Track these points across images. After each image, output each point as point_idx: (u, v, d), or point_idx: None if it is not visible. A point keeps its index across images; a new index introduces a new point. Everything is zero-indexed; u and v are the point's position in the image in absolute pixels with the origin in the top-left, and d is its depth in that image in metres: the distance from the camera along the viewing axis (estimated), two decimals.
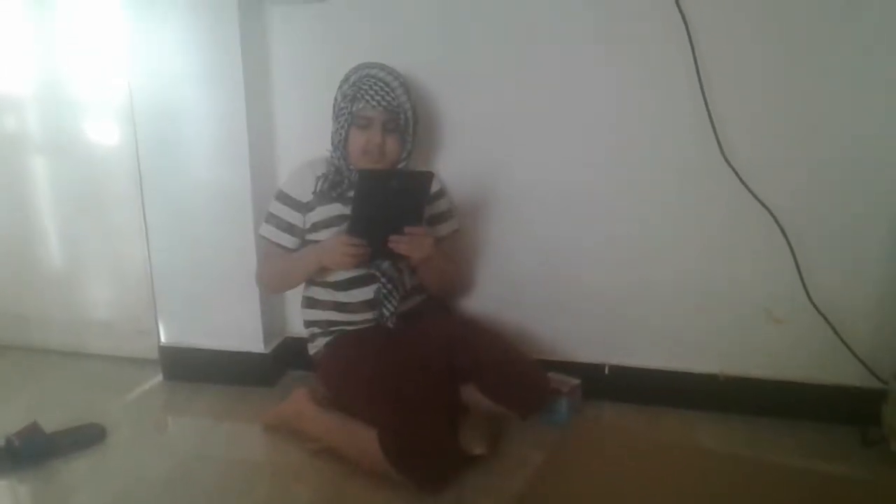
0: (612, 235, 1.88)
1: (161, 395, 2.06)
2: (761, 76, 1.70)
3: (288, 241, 1.77)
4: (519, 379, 1.68)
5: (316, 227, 1.74)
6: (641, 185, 1.83)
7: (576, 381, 1.88)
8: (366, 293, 1.75)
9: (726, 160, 1.72)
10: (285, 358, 2.13)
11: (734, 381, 1.87)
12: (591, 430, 1.82)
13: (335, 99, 1.72)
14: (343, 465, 1.60)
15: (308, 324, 1.86)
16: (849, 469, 1.64)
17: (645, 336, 1.92)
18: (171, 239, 2.03)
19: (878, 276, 1.75)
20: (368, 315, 1.78)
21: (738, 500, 1.48)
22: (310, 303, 1.84)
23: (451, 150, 1.93)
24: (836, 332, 1.75)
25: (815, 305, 1.76)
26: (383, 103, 1.64)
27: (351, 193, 1.67)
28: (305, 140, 1.91)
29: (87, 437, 1.74)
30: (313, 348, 1.85)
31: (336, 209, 1.73)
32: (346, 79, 1.70)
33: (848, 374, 1.78)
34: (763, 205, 1.73)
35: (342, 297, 1.77)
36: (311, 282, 1.82)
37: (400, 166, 1.74)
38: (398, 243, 1.59)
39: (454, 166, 1.93)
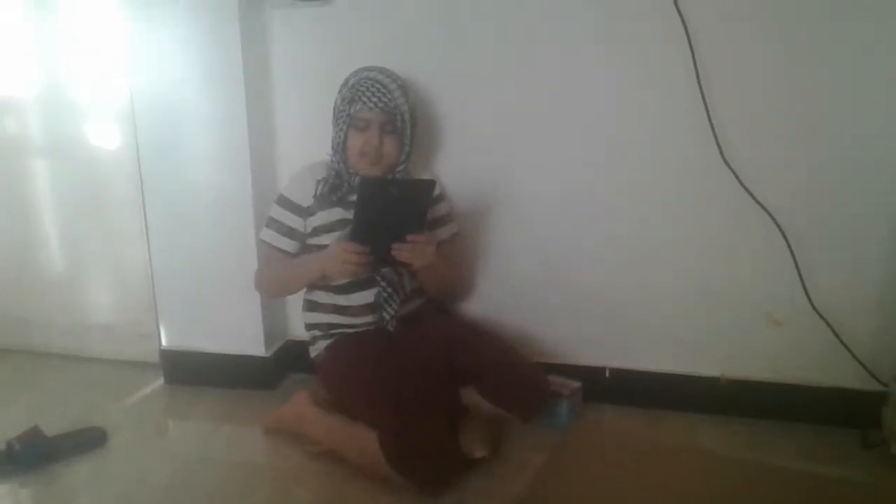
0: (612, 238, 1.88)
1: (162, 399, 2.06)
2: (761, 77, 1.70)
3: (288, 245, 1.77)
4: (519, 381, 1.68)
5: (317, 231, 1.75)
6: (641, 186, 1.83)
7: (576, 384, 1.88)
8: (366, 297, 1.75)
9: (726, 162, 1.72)
10: (286, 361, 2.13)
11: (735, 383, 1.87)
12: (591, 432, 1.82)
13: (335, 103, 1.72)
14: (344, 467, 1.60)
15: (309, 327, 1.86)
16: (849, 471, 1.64)
17: (645, 339, 1.92)
18: (172, 242, 2.03)
19: (879, 277, 1.75)
20: (369, 318, 1.78)
21: (739, 503, 1.49)
22: (311, 306, 1.84)
23: (451, 152, 1.93)
24: (836, 335, 1.75)
25: (815, 308, 1.76)
26: (380, 105, 1.64)
27: (351, 198, 1.67)
28: (306, 143, 1.91)
29: (87, 441, 1.74)
30: (314, 351, 1.85)
31: (337, 213, 1.73)
32: (346, 82, 1.70)
33: (848, 376, 1.78)
34: (763, 207, 1.73)
35: (343, 300, 1.77)
36: (312, 285, 1.82)
37: (399, 169, 1.74)
38: (400, 251, 1.59)
39: (454, 169, 1.93)
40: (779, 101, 1.70)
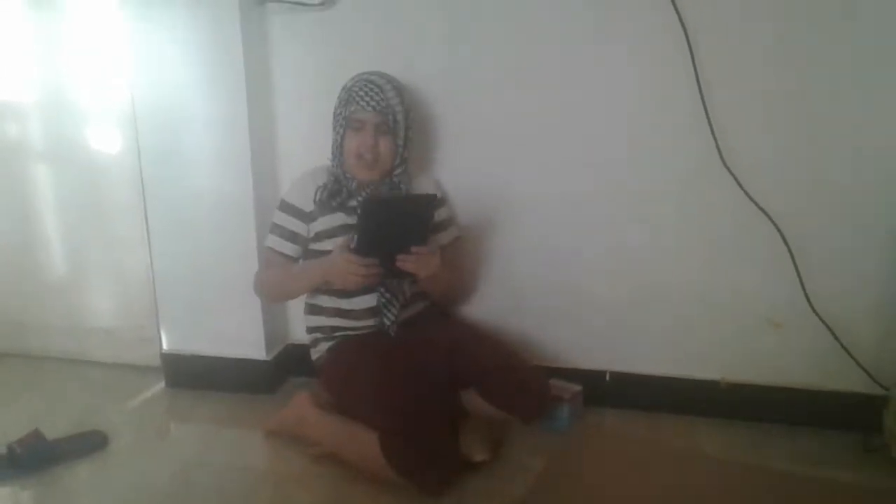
0: (613, 241, 1.88)
1: (163, 402, 2.06)
2: (761, 81, 1.70)
3: (291, 249, 1.77)
4: (520, 384, 1.68)
5: (319, 236, 1.75)
6: (642, 190, 1.83)
7: (577, 388, 1.88)
8: (368, 300, 1.76)
9: (727, 167, 1.73)
10: (287, 365, 2.13)
11: (735, 387, 1.87)
12: (592, 436, 1.82)
13: (334, 108, 1.74)
14: (345, 470, 1.61)
15: (311, 329, 1.87)
16: (850, 475, 1.63)
17: (646, 342, 1.93)
18: (173, 246, 2.04)
19: (880, 281, 1.75)
20: (371, 321, 1.78)
21: None
22: (313, 309, 1.85)
23: (452, 156, 1.94)
24: (837, 339, 1.75)
25: (815, 312, 1.76)
26: (372, 104, 1.66)
27: (351, 202, 1.70)
28: (307, 147, 1.92)
29: (89, 445, 1.74)
30: (315, 353, 1.85)
31: (339, 219, 1.74)
32: (344, 87, 1.72)
33: (849, 380, 1.78)
34: (763, 211, 1.74)
35: (345, 304, 1.78)
36: (314, 289, 1.82)
37: (396, 172, 1.75)
38: (405, 262, 1.60)
39: (456, 173, 1.94)
40: (779, 105, 1.71)
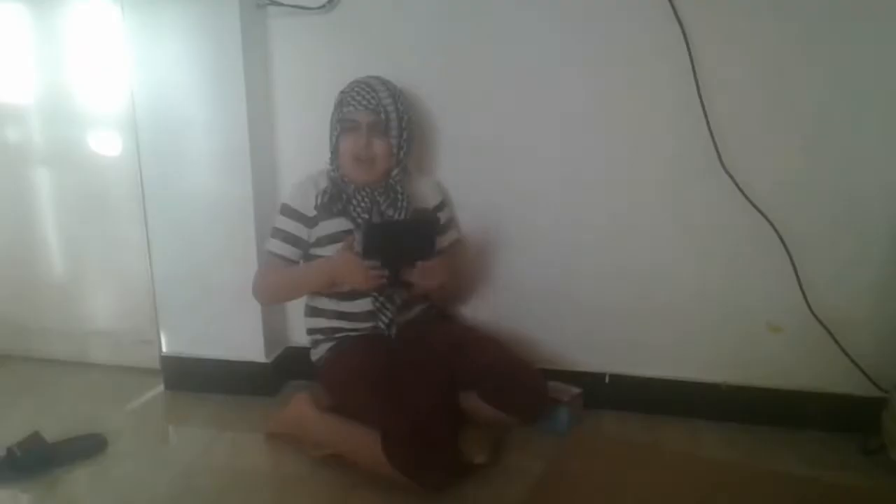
0: (613, 244, 1.88)
1: (162, 405, 2.06)
2: (761, 83, 1.70)
3: (293, 253, 1.77)
4: (520, 385, 1.68)
5: (320, 241, 1.75)
6: (642, 193, 1.84)
7: (577, 390, 1.88)
8: (369, 303, 1.76)
9: (726, 171, 1.73)
10: (286, 368, 2.13)
11: (735, 390, 1.87)
12: (591, 438, 1.82)
13: (331, 114, 1.74)
14: (345, 473, 1.61)
15: (311, 331, 1.87)
16: (849, 477, 1.64)
17: (645, 345, 1.93)
18: (173, 249, 2.03)
19: (879, 284, 1.76)
20: (371, 324, 1.78)
21: None
22: (313, 311, 1.85)
23: (453, 159, 1.94)
24: (836, 342, 1.76)
25: (815, 315, 1.76)
26: (364, 103, 1.67)
27: (351, 207, 1.72)
28: (307, 150, 1.92)
29: (88, 447, 1.74)
30: (315, 354, 1.85)
31: (342, 224, 1.74)
32: (340, 91, 1.73)
33: (848, 382, 1.78)
34: (762, 214, 1.74)
35: (346, 306, 1.78)
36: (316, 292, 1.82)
37: (394, 173, 1.75)
38: (410, 275, 1.62)
39: (456, 175, 1.94)
40: (779, 109, 1.71)
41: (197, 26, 1.84)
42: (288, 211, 1.77)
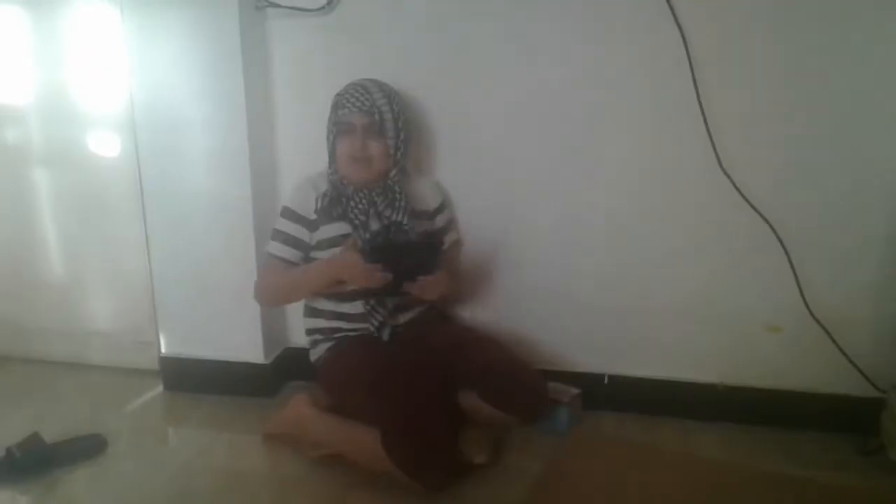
0: (612, 245, 1.89)
1: (161, 406, 2.06)
2: (760, 85, 1.71)
3: (293, 255, 1.78)
4: (520, 385, 1.69)
5: (321, 245, 1.75)
6: (641, 195, 1.84)
7: (576, 391, 1.89)
8: (361, 305, 1.77)
9: (724, 172, 1.73)
10: (285, 368, 2.13)
11: (733, 390, 1.87)
12: (590, 439, 1.82)
13: (328, 118, 1.75)
14: (345, 473, 1.61)
15: (310, 331, 1.87)
16: (847, 478, 1.64)
17: (644, 346, 1.93)
18: (172, 250, 2.03)
19: (877, 285, 1.76)
20: (370, 325, 1.79)
21: None
22: (312, 312, 1.85)
23: (453, 161, 1.94)
24: (834, 343, 1.76)
25: (813, 315, 1.76)
26: (357, 104, 1.67)
27: (350, 209, 1.73)
28: (306, 150, 1.92)
29: (87, 448, 1.74)
30: (314, 354, 1.85)
31: (341, 228, 1.74)
32: (336, 94, 1.73)
33: (847, 383, 1.79)
34: (761, 215, 1.74)
35: (346, 307, 1.78)
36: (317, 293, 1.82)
37: (391, 174, 1.75)
38: (411, 287, 1.64)
39: (456, 175, 1.94)
40: (777, 111, 1.72)
41: (196, 28, 1.84)
42: (289, 213, 1.77)
